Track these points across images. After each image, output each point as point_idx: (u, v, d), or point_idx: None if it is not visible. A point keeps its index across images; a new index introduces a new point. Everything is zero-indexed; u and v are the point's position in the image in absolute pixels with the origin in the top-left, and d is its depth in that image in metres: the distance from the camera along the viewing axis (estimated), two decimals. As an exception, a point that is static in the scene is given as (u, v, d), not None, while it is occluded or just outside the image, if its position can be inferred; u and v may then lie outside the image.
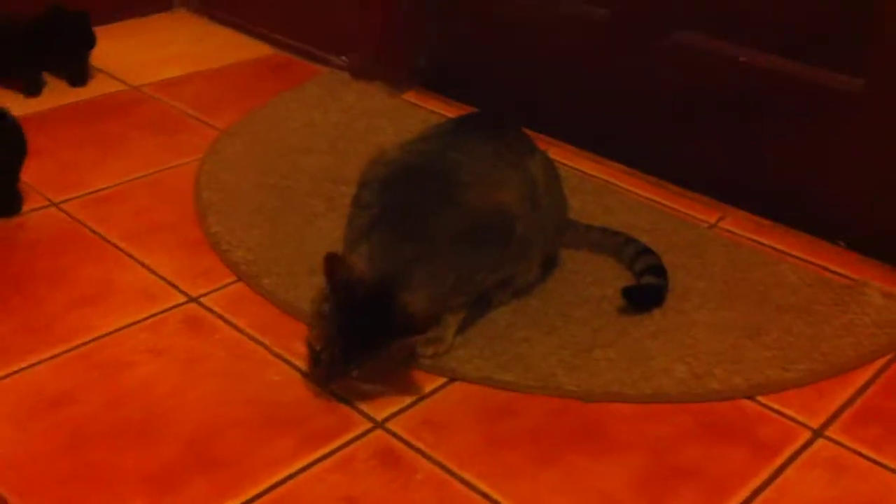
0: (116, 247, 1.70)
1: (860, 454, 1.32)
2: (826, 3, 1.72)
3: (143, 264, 1.66)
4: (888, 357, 1.51)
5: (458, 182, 1.42)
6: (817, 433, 1.36)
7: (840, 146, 1.76)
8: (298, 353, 1.45)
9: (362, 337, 1.30)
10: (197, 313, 1.55)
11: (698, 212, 1.90)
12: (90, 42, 2.29)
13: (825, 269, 1.73)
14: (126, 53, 2.48)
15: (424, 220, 1.37)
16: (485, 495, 1.23)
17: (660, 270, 1.63)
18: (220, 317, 1.54)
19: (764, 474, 1.28)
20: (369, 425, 1.34)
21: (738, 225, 1.86)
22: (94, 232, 1.74)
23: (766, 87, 1.82)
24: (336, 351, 1.32)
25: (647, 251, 1.67)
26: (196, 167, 1.95)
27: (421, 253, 1.35)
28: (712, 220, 1.87)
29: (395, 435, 1.32)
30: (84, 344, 1.46)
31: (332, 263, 1.32)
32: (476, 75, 2.27)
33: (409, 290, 1.32)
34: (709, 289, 1.63)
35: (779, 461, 1.30)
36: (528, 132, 1.64)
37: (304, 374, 1.41)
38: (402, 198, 1.40)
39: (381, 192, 1.42)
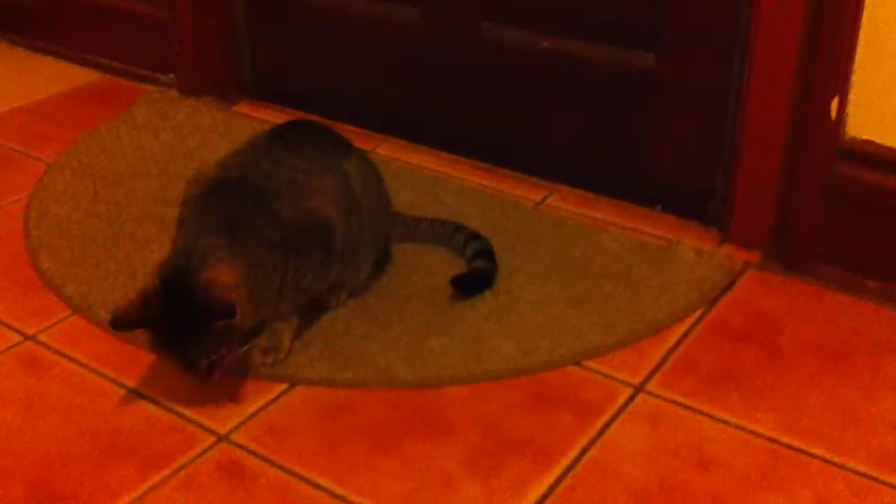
0: (-55, 295, 1.68)
1: (676, 403, 1.42)
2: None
3: (-27, 309, 1.64)
4: (700, 311, 1.62)
5: (270, 192, 1.46)
6: (638, 389, 1.45)
7: (645, 117, 1.87)
8: (138, 379, 1.47)
9: (188, 336, 1.33)
10: (33, 352, 1.54)
11: (526, 192, 1.98)
12: None
13: (644, 233, 1.83)
14: (-55, 94, 2.43)
15: (236, 231, 1.40)
16: (328, 491, 1.28)
17: (488, 254, 1.70)
18: (57, 352, 1.54)
19: (589, 434, 1.37)
20: (213, 439, 1.37)
21: (563, 201, 1.95)
22: (-81, 282, 1.71)
23: (572, 69, 1.91)
24: (182, 362, 1.36)
25: (476, 237, 1.74)
26: (23, 205, 1.93)
27: (221, 244, 1.37)
28: (539, 199, 1.96)
29: (238, 445, 1.36)
30: (-84, 398, 1.45)
31: (115, 322, 1.35)
32: (303, 81, 2.30)
33: (205, 268, 1.34)
34: (534, 266, 1.72)
35: (603, 420, 1.39)
36: (358, 129, 1.67)
37: (152, 400, 1.43)
38: (215, 212, 1.42)
39: (196, 208, 1.45)
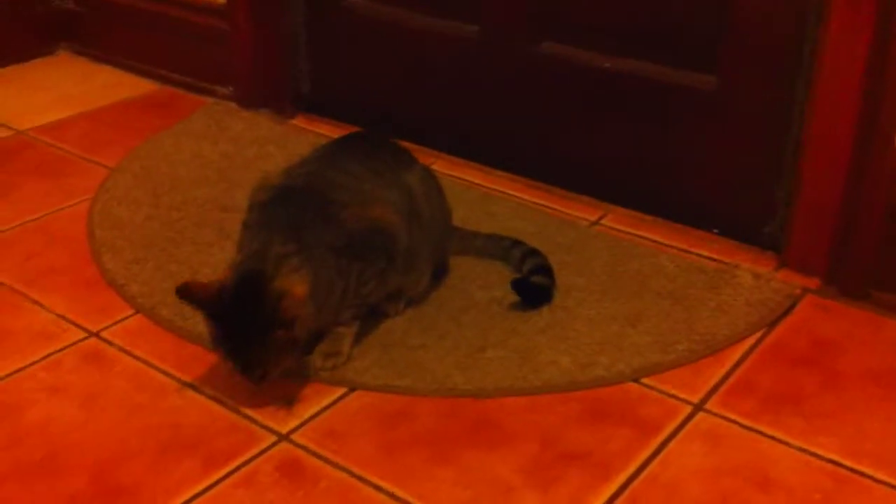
0: (12, 290, 1.71)
1: (736, 423, 1.41)
2: (680, 7, 1.83)
3: (39, 305, 1.67)
4: (760, 333, 1.61)
5: (334, 200, 1.47)
6: (697, 408, 1.44)
7: (704, 140, 1.87)
8: (199, 377, 1.49)
9: (251, 342, 1.34)
10: (96, 348, 1.57)
11: (581, 211, 1.99)
12: (-29, 90, 2.28)
13: (700, 255, 1.83)
14: (10, 99, 2.48)
15: (303, 235, 1.42)
16: (389, 494, 1.29)
17: (547, 270, 1.71)
18: (120, 349, 1.56)
19: (648, 450, 1.36)
20: (273, 439, 1.38)
21: (618, 221, 1.96)
22: (-14, 278, 1.75)
23: (632, 89, 1.92)
24: (238, 366, 1.37)
25: (533, 252, 1.75)
26: (87, 207, 1.96)
27: (293, 251, 1.39)
28: (594, 219, 1.96)
29: (298, 446, 1.37)
30: (-18, 388, 1.47)
31: (184, 291, 1.37)
32: (359, 96, 2.33)
33: (278, 277, 1.36)
34: (591, 284, 1.72)
35: (661, 437, 1.39)
36: (414, 146, 1.70)
37: (213, 398, 1.44)
38: (282, 218, 1.44)
39: (264, 213, 1.47)
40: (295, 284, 1.37)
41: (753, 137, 1.81)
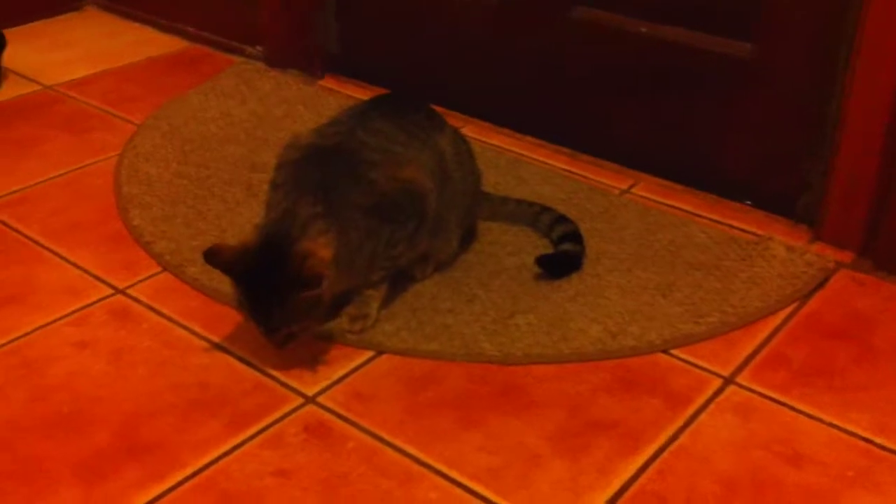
0: (38, 245, 1.71)
1: (767, 397, 1.39)
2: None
3: (66, 260, 1.66)
4: (793, 306, 1.58)
5: (365, 160, 1.46)
6: (728, 380, 1.42)
7: (738, 110, 1.84)
8: (226, 337, 1.48)
9: (278, 301, 1.33)
10: (123, 305, 1.56)
11: (611, 179, 1.96)
12: (1, 44, 2.27)
13: (733, 227, 1.80)
14: (38, 54, 2.47)
15: (332, 195, 1.40)
16: (414, 458, 1.28)
17: (576, 237, 1.69)
18: (147, 306, 1.56)
19: (678, 422, 1.34)
20: (300, 401, 1.37)
21: (649, 190, 1.93)
22: (15, 231, 1.74)
23: (665, 56, 1.88)
24: (262, 327, 1.36)
25: (562, 219, 1.72)
26: (114, 163, 1.96)
27: (321, 213, 1.37)
28: (624, 187, 1.94)
29: (325, 408, 1.36)
30: (9, 342, 1.47)
31: (208, 255, 1.36)
32: (388, 58, 2.30)
33: (304, 239, 1.35)
34: (622, 252, 1.70)
35: (692, 409, 1.37)
36: (443, 110, 1.68)
37: (240, 358, 1.44)
38: (312, 176, 1.43)
39: (293, 172, 1.45)
40: (320, 247, 1.35)
41: (790, 108, 1.78)
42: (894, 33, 1.55)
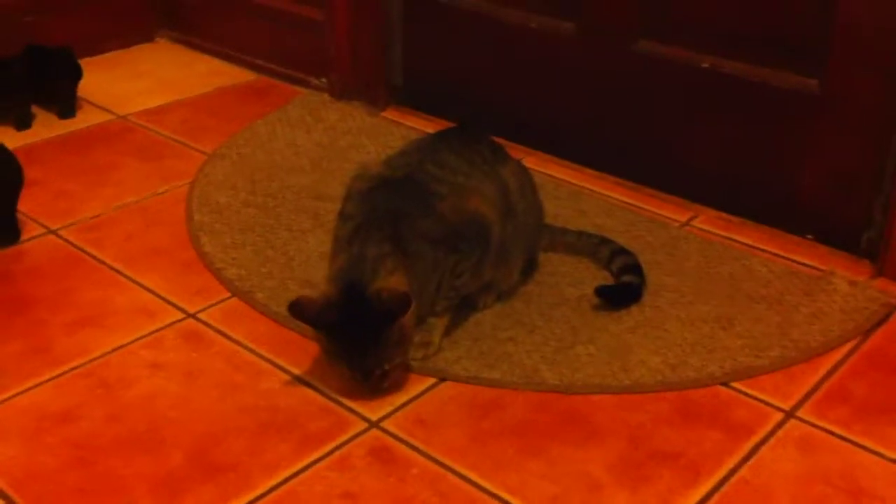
0: (114, 269, 1.77)
1: (829, 432, 1.40)
2: (782, 8, 1.80)
3: (140, 284, 1.72)
4: (855, 341, 1.58)
5: (433, 192, 1.49)
6: (789, 414, 1.43)
7: (802, 144, 1.84)
8: (294, 361, 1.52)
9: (366, 345, 1.38)
10: (195, 329, 1.61)
11: (670, 212, 1.98)
12: (77, 74, 2.35)
13: (794, 261, 1.81)
14: (112, 84, 2.55)
15: (400, 227, 1.44)
16: (476, 485, 1.30)
17: (637, 269, 1.71)
18: (217, 331, 1.60)
19: (739, 455, 1.35)
20: (364, 426, 1.40)
21: (709, 223, 1.94)
22: (91, 256, 1.81)
23: (729, 90, 1.90)
24: (359, 372, 1.41)
25: (622, 251, 1.75)
26: (185, 191, 2.02)
27: (388, 251, 1.41)
28: (684, 220, 1.95)
29: (389, 433, 1.39)
30: (87, 363, 1.53)
31: (294, 309, 1.39)
32: (451, 90, 2.35)
33: (376, 280, 1.39)
34: (682, 284, 1.71)
35: (753, 442, 1.38)
36: (504, 142, 1.71)
37: (307, 383, 1.48)
38: (380, 207, 1.47)
39: (362, 203, 1.49)
40: (396, 286, 1.39)
41: (854, 143, 1.78)
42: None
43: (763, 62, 1.85)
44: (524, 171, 1.70)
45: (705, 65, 1.91)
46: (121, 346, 1.56)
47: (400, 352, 1.41)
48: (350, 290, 1.38)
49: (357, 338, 1.38)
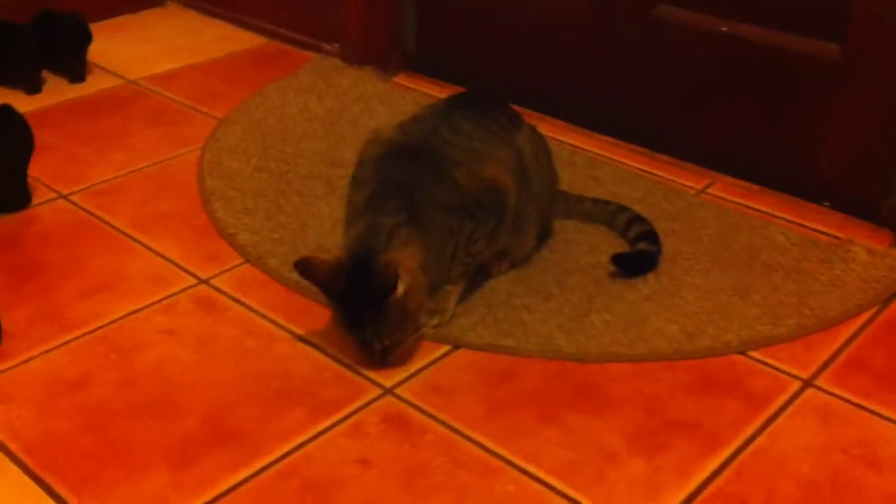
0: (126, 235, 1.76)
1: (848, 401, 1.38)
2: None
3: (152, 250, 1.71)
4: (873, 310, 1.57)
5: (448, 159, 1.47)
6: (807, 383, 1.42)
7: (821, 111, 1.82)
8: (307, 328, 1.51)
9: (369, 314, 1.36)
10: (208, 295, 1.60)
11: (687, 179, 1.95)
12: (87, 38, 2.33)
13: (812, 229, 1.79)
14: (122, 49, 2.53)
15: (415, 195, 1.42)
16: (492, 452, 1.29)
17: (653, 236, 1.69)
18: (230, 297, 1.59)
19: (756, 423, 1.34)
20: (378, 392, 1.40)
21: (726, 191, 1.92)
22: (103, 221, 1.79)
23: (748, 56, 1.87)
24: (359, 339, 1.39)
25: (638, 218, 1.73)
26: (197, 156, 2.00)
27: (403, 221, 1.40)
28: (700, 187, 1.93)
29: (403, 400, 1.38)
30: (99, 328, 1.52)
31: (301, 267, 1.38)
32: (464, 56, 2.32)
33: (389, 250, 1.37)
34: (699, 252, 1.69)
35: (770, 411, 1.36)
36: (518, 108, 1.69)
37: (320, 349, 1.47)
38: (395, 175, 1.45)
39: (376, 170, 1.47)
40: (406, 258, 1.37)
41: (874, 110, 1.75)
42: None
43: (782, 27, 1.82)
44: (539, 138, 1.67)
45: (723, 29, 1.88)
46: (133, 312, 1.55)
47: (403, 328, 1.39)
48: (361, 258, 1.37)
49: (358, 308, 1.36)
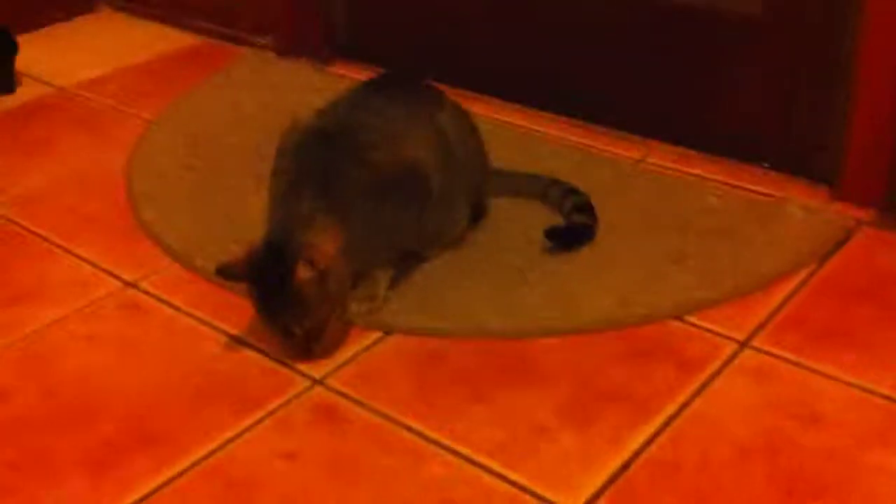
0: (50, 242, 1.71)
1: (784, 359, 1.36)
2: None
3: (77, 256, 1.67)
4: (811, 268, 1.55)
5: (366, 142, 1.44)
6: (743, 344, 1.39)
7: (750, 70, 1.80)
8: (236, 325, 1.48)
9: (280, 298, 1.33)
10: (133, 298, 1.56)
11: (624, 149, 1.93)
12: (12, 49, 2.29)
13: (749, 190, 1.76)
14: (53, 57, 2.48)
15: (333, 180, 1.39)
16: (422, 436, 1.26)
17: (588, 208, 1.66)
18: (157, 298, 1.56)
19: (691, 388, 1.32)
20: (308, 383, 1.36)
21: (664, 158, 1.89)
22: (26, 230, 1.75)
23: (674, 19, 1.85)
24: (274, 325, 1.36)
25: (573, 191, 1.70)
26: (125, 159, 1.96)
27: (321, 206, 1.36)
28: (639, 157, 1.90)
29: (333, 390, 1.35)
30: (20, 339, 1.48)
31: (222, 271, 1.37)
32: (396, 41, 2.29)
33: (306, 233, 1.34)
34: (633, 221, 1.67)
35: (705, 374, 1.34)
36: (452, 89, 1.65)
37: (249, 345, 1.44)
38: (313, 161, 1.41)
39: (294, 157, 1.44)
40: (326, 242, 1.34)
41: (803, 64, 1.73)
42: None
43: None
44: (464, 115, 1.64)
45: (648, -6, 1.86)
46: (56, 320, 1.51)
47: (321, 313, 1.35)
48: (273, 244, 1.33)
49: (270, 294, 1.33)
